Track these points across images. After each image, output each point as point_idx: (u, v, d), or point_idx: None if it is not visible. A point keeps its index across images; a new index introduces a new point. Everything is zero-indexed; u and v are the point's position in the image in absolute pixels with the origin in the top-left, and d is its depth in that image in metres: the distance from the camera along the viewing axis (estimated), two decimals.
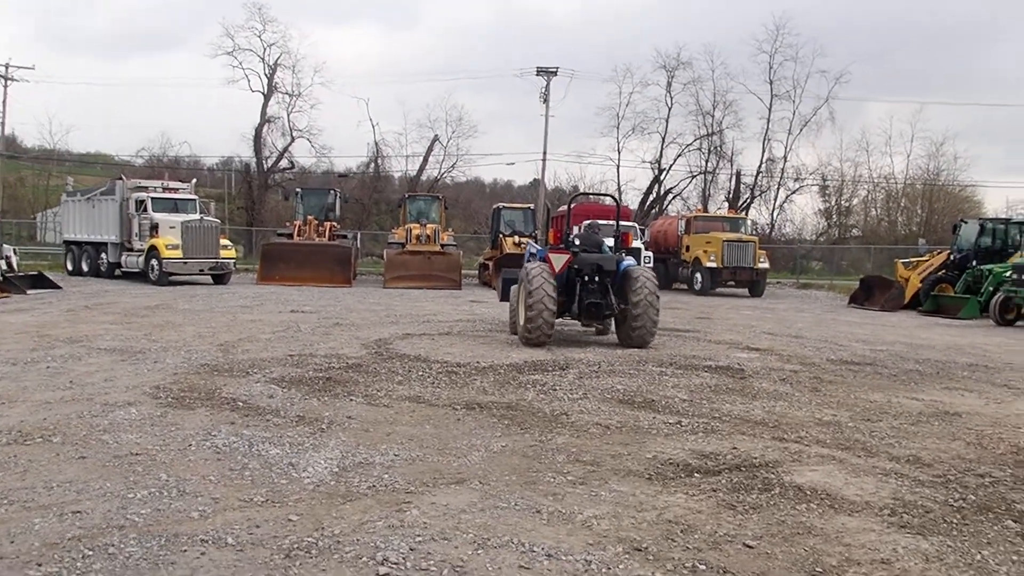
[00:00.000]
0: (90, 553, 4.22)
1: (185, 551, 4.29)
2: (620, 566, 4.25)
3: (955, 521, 5.08)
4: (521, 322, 12.79)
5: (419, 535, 4.57)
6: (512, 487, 5.54)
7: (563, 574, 4.14)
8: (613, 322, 13.61)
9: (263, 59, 52.93)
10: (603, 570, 4.19)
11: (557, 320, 13.00)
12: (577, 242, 13.73)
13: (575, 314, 13.20)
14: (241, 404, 7.87)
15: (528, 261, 14.40)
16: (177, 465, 5.84)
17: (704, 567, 4.26)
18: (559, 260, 12.87)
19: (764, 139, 55.44)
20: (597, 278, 13.01)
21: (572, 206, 16.62)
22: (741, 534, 4.75)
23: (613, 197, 17.72)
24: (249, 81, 53.92)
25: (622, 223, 16.22)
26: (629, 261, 13.47)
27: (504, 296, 15.13)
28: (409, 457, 6.21)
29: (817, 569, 4.27)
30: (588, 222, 15.28)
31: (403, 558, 4.25)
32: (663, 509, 5.16)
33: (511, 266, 28.18)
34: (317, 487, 5.43)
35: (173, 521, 4.72)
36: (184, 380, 9.00)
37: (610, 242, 14.20)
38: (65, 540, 4.39)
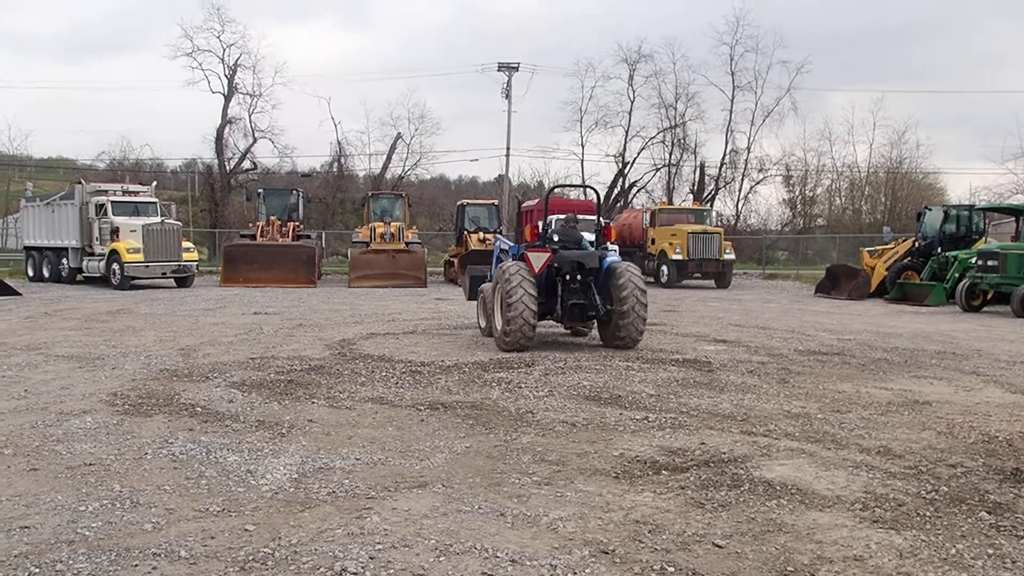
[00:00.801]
0: (36, 571, 4.04)
1: (136, 566, 4.11)
2: (586, 570, 4.12)
3: (928, 514, 5.00)
4: (499, 326, 12.02)
5: (379, 543, 4.42)
6: (476, 490, 5.40)
7: None
8: (596, 323, 12.79)
9: (223, 60, 52.35)
10: (568, 575, 4.06)
11: (539, 322, 12.17)
12: (556, 238, 12.71)
13: (558, 316, 12.25)
14: (200, 410, 7.67)
15: (498, 258, 13.80)
16: (132, 475, 5.64)
17: (673, 569, 4.15)
18: (539, 259, 11.90)
19: (727, 130, 55.63)
20: (579, 276, 12.12)
21: (548, 199, 15.34)
22: (710, 533, 4.64)
23: (593, 188, 16.63)
24: (209, 82, 53.29)
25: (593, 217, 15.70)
26: (612, 257, 12.60)
27: (472, 295, 14.47)
28: (370, 461, 6.05)
29: (789, 568, 4.17)
30: (566, 216, 14.03)
31: (362, 567, 4.10)
32: (630, 509, 5.04)
33: (476, 263, 28.18)
34: (275, 494, 5.26)
35: (125, 534, 4.54)
36: (143, 386, 8.77)
37: (589, 237, 13.35)
38: (11, 557, 4.20)
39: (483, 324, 13.44)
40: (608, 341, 12.31)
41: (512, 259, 12.51)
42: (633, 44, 72.70)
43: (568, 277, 12.09)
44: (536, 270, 11.79)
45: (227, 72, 52.53)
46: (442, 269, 34.46)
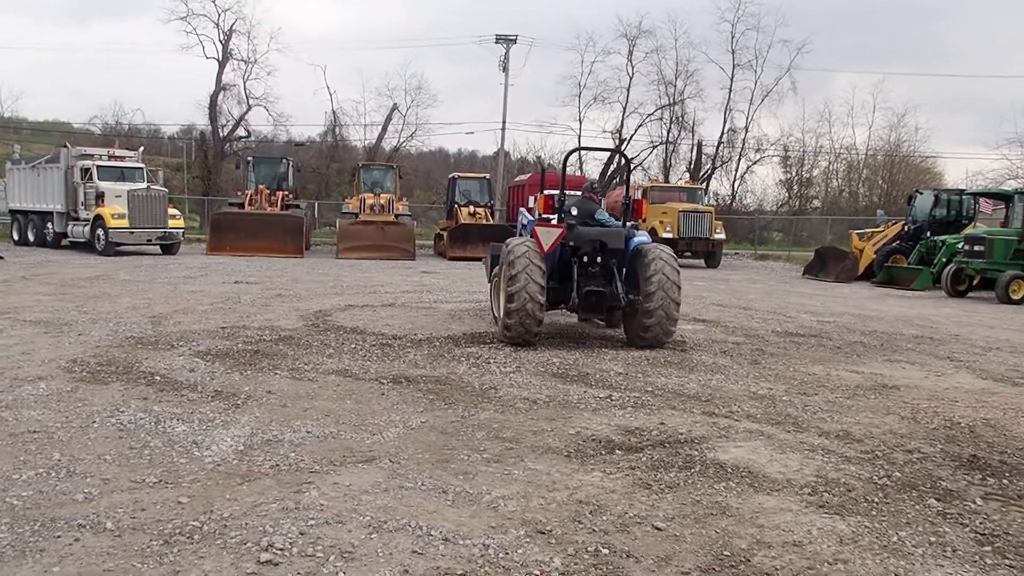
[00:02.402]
0: None
1: (59, 537, 4.02)
2: (519, 551, 4.04)
3: (876, 500, 4.93)
4: (500, 314, 10.35)
5: (313, 518, 4.34)
6: (423, 466, 5.31)
7: (458, 559, 3.93)
8: (621, 315, 10.86)
9: (217, 25, 51.81)
10: (500, 555, 3.98)
11: (548, 312, 10.38)
12: (574, 211, 10.62)
13: (573, 305, 10.22)
14: (159, 378, 7.56)
15: (521, 235, 11.81)
16: (74, 444, 5.54)
17: (607, 551, 4.07)
18: (549, 236, 9.96)
19: (726, 109, 55.26)
20: (600, 259, 10.21)
21: (565, 164, 12.01)
22: (652, 515, 4.56)
23: (622, 154, 14.24)
24: (204, 48, 53.22)
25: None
26: (642, 237, 10.48)
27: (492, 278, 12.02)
28: (321, 434, 5.96)
29: (725, 553, 4.09)
30: (584, 184, 11.63)
31: (290, 543, 4.01)
32: (575, 489, 4.96)
33: (466, 237, 28.07)
34: (217, 466, 5.17)
35: (54, 504, 4.44)
36: (105, 353, 8.66)
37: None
38: None
39: (496, 312, 11.31)
40: (632, 338, 10.36)
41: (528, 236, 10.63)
42: (634, 19, 72.06)
43: (586, 259, 10.23)
44: (546, 249, 9.91)
45: (222, 37, 52.06)
46: (432, 242, 34.27)
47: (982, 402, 7.77)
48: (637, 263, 10.12)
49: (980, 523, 4.60)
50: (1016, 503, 4.98)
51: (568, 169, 12.17)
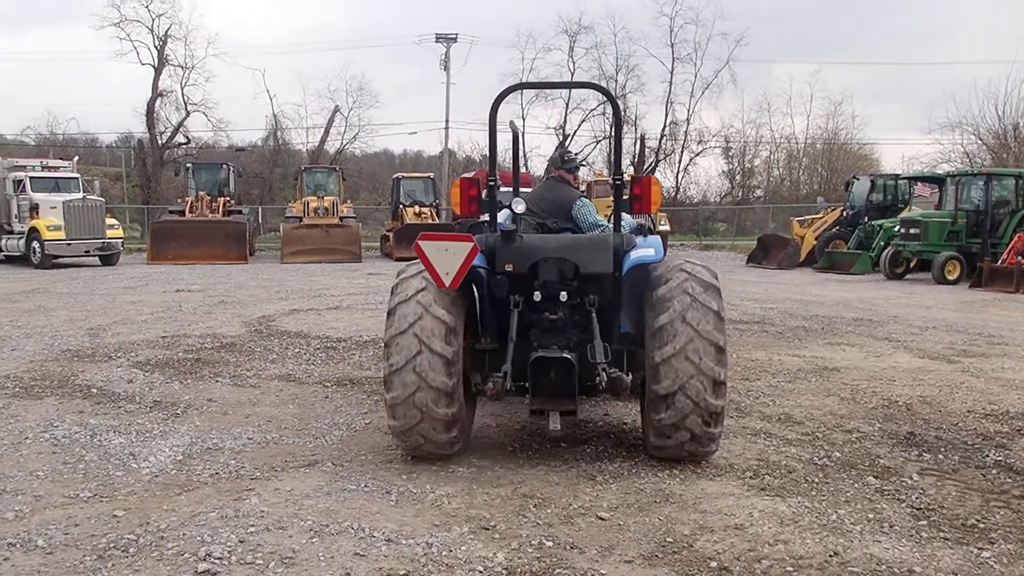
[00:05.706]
0: None
1: None
2: (463, 547, 4.02)
3: (816, 480, 4.99)
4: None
5: (253, 525, 4.27)
6: (366, 467, 5.27)
7: (400, 559, 3.89)
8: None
9: (152, 30, 50.85)
10: (443, 553, 3.95)
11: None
12: (519, 208, 5.77)
13: (498, 388, 5.12)
14: (95, 391, 7.40)
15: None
16: (5, 461, 5.40)
17: (551, 543, 4.06)
18: (448, 257, 5.03)
19: (667, 102, 55.62)
20: (564, 294, 5.41)
21: (496, 111, 5.86)
22: (596, 505, 4.56)
23: (603, 90, 7.15)
24: (139, 54, 51.68)
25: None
26: (646, 251, 5.44)
27: None
28: (263, 440, 5.88)
29: (668, 539, 4.11)
30: (558, 153, 7.12)
31: (229, 552, 3.94)
32: (520, 483, 4.95)
33: (411, 238, 27.77)
34: (155, 478, 5.07)
35: None
36: (40, 368, 8.45)
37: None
38: None
39: None
40: (646, 440, 5.44)
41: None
42: (574, 15, 72.16)
43: (540, 295, 5.45)
44: (446, 283, 5.06)
45: (157, 43, 51.12)
46: (378, 244, 34.03)
47: (919, 380, 7.92)
48: (642, 298, 5.46)
49: (916, 498, 4.69)
50: (951, 476, 5.08)
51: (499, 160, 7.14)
